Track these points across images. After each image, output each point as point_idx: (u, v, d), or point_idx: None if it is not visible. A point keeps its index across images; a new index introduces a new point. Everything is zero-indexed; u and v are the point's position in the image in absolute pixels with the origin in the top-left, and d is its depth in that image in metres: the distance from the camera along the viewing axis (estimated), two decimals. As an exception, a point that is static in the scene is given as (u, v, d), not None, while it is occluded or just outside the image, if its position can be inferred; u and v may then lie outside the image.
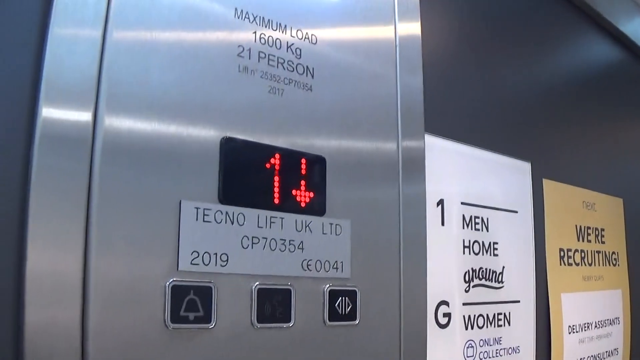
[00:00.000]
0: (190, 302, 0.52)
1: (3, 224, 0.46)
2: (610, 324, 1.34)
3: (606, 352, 1.31)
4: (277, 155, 0.60)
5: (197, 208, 0.54)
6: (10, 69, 0.49)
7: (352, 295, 0.65)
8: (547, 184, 1.17)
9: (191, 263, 0.53)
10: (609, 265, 1.38)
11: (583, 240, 1.28)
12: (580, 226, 1.28)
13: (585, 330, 1.23)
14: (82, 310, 0.47)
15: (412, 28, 0.78)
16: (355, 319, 0.65)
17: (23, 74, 0.49)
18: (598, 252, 1.34)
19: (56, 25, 0.49)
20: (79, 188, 0.48)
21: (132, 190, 0.51)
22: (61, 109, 0.48)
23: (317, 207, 0.63)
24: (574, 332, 1.19)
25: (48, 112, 0.48)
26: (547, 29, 1.26)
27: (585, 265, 1.28)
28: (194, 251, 0.53)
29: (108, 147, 0.50)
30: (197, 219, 0.54)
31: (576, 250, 1.25)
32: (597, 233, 1.34)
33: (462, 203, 0.93)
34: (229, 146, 0.57)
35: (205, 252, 0.54)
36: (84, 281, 0.47)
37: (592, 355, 1.25)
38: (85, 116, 0.49)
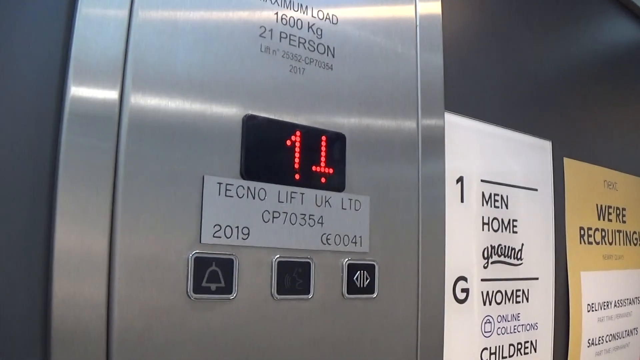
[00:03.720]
0: (212, 274, 0.54)
1: (33, 201, 0.48)
2: (630, 303, 1.33)
3: (625, 331, 1.30)
4: (297, 133, 0.62)
5: (219, 183, 0.56)
6: (40, 49, 0.50)
7: (370, 269, 0.66)
8: (568, 163, 1.16)
9: (213, 236, 0.55)
10: (630, 244, 1.37)
11: (604, 220, 1.27)
12: (601, 205, 1.27)
13: (604, 308, 1.23)
14: (108, 280, 0.49)
15: (433, 7, 0.78)
16: (373, 292, 0.66)
17: (52, 53, 0.51)
18: (619, 231, 1.33)
19: (84, 6, 0.50)
20: (106, 165, 0.50)
21: (157, 165, 0.52)
22: (89, 87, 0.50)
23: (336, 183, 0.64)
24: (593, 310, 1.19)
25: (76, 90, 0.49)
26: (570, 7, 1.25)
27: (606, 244, 1.27)
28: (216, 224, 0.55)
29: (134, 124, 0.51)
30: (219, 194, 0.56)
31: (596, 229, 1.24)
32: (618, 212, 1.33)
33: (481, 180, 0.93)
34: (251, 123, 0.58)
35: (227, 226, 0.56)
36: (110, 252, 0.49)
37: (611, 334, 1.24)
38: (112, 94, 0.51)
